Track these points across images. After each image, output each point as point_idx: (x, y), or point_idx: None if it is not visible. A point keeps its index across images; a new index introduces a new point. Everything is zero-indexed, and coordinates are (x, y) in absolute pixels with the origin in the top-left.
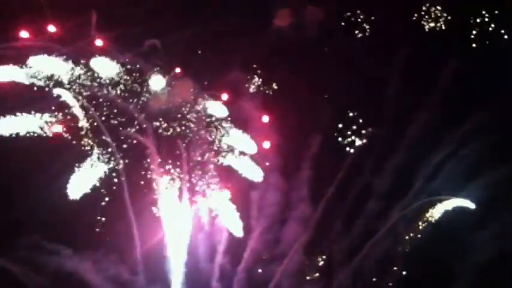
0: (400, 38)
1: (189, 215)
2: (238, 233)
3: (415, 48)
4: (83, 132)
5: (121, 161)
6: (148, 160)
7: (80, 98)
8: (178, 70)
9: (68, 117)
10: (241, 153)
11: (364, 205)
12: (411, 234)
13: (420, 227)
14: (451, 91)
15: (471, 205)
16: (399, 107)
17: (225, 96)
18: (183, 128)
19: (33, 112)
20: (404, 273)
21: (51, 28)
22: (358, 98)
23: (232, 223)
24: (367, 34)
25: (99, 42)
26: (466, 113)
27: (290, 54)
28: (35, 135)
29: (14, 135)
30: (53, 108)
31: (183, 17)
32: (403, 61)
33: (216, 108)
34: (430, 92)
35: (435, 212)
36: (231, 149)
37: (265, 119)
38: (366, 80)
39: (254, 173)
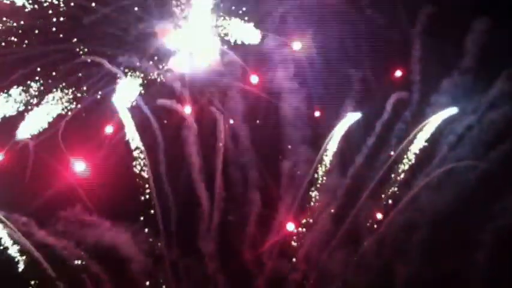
0: None
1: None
2: None
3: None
4: None
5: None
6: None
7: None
8: None
9: None
10: None
11: (390, 173)
12: (435, 202)
13: (443, 194)
14: (478, 54)
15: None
16: (424, 72)
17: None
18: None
19: None
20: (428, 240)
21: None
22: (381, 64)
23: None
24: None
25: None
26: (492, 77)
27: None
28: None
29: None
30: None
31: None
32: (426, 22)
33: None
34: (456, 56)
35: (458, 178)
36: None
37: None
38: (390, 43)
39: None
